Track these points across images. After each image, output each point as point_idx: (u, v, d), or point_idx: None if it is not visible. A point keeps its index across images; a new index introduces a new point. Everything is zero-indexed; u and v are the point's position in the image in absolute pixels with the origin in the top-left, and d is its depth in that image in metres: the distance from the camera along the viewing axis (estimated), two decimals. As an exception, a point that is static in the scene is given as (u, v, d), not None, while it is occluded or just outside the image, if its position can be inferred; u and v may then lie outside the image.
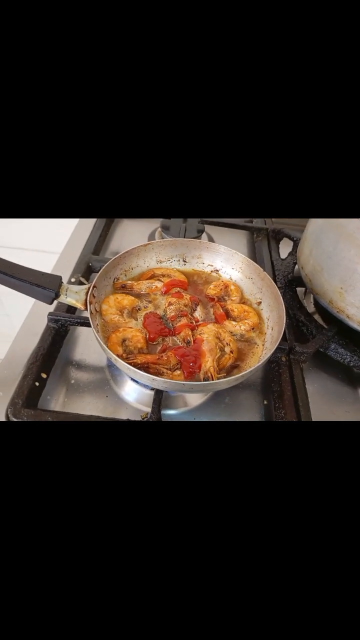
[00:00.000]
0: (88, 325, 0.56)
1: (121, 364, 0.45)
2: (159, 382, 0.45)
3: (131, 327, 0.54)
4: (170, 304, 0.57)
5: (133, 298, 0.58)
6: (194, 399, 0.57)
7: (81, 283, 0.67)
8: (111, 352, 0.46)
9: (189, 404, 0.56)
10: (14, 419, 0.46)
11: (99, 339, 0.48)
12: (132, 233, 0.87)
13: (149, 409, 0.52)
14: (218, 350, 0.52)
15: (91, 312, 0.51)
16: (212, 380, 0.47)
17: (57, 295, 0.52)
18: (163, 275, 0.63)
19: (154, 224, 0.88)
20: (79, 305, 0.53)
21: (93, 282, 0.54)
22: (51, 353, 0.55)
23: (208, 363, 0.49)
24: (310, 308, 0.72)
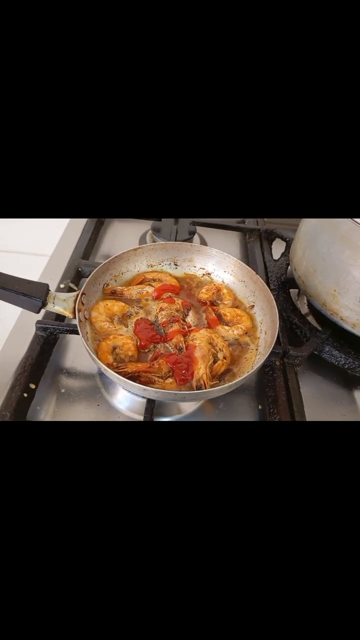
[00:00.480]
0: (77, 333, 0.55)
1: (111, 373, 0.44)
2: (150, 392, 0.44)
3: (122, 335, 0.53)
4: (161, 309, 0.56)
5: (123, 304, 0.57)
6: (188, 406, 0.56)
7: (70, 289, 0.65)
8: (100, 362, 0.45)
9: (183, 410, 0.56)
10: (2, 433, 0.45)
11: (88, 348, 0.47)
12: (122, 235, 0.86)
13: (141, 417, 0.51)
14: (211, 357, 0.51)
15: (80, 320, 0.50)
16: (205, 388, 0.46)
17: (44, 304, 0.50)
18: (154, 280, 0.62)
19: (144, 225, 0.87)
20: (67, 314, 0.51)
21: (82, 289, 0.53)
22: (40, 362, 0.54)
23: (201, 370, 0.48)
24: (304, 309, 0.71)
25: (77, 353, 0.60)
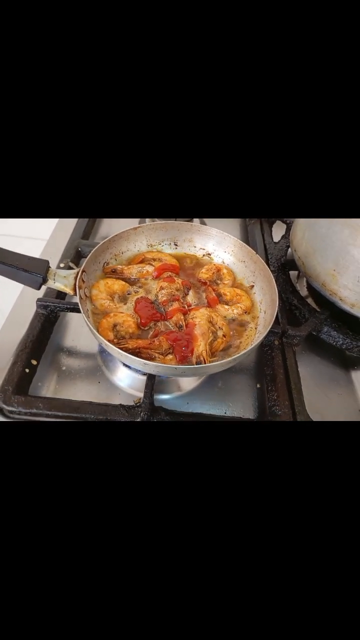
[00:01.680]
0: (78, 311, 0.55)
1: (112, 349, 0.45)
2: (151, 367, 0.44)
3: (122, 313, 0.53)
4: (161, 288, 0.57)
5: (124, 283, 0.57)
6: (187, 384, 0.57)
7: (70, 268, 0.65)
8: (102, 338, 0.46)
9: (182, 388, 0.56)
10: (4, 406, 0.46)
11: (89, 324, 0.47)
12: (120, 218, 0.85)
13: (141, 394, 0.52)
14: (210, 334, 0.52)
15: (81, 297, 0.50)
16: (205, 363, 0.47)
17: (44, 280, 0.50)
18: (154, 259, 0.62)
19: (144, 207, 0.86)
20: (68, 290, 0.51)
21: (82, 267, 0.53)
22: (41, 340, 0.54)
23: (200, 347, 0.49)
24: (303, 292, 0.72)
25: (78, 332, 0.61)
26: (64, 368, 0.56)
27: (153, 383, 0.50)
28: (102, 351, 0.58)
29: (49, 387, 0.53)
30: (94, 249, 0.56)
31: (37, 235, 0.84)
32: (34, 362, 0.52)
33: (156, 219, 0.79)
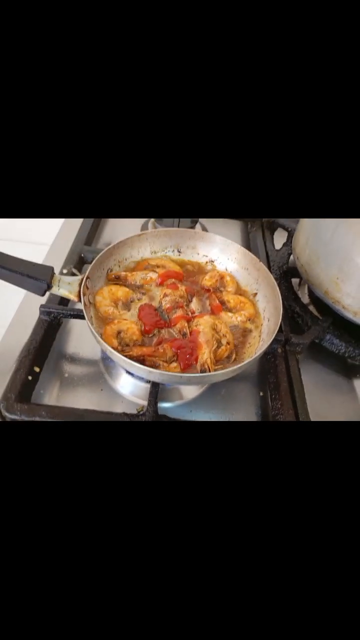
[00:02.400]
0: (81, 317, 0.55)
1: (117, 356, 0.44)
2: (156, 375, 0.44)
3: (126, 319, 0.53)
4: (165, 295, 0.56)
5: (127, 289, 0.57)
6: (190, 392, 0.56)
7: (73, 274, 0.65)
8: (107, 345, 0.45)
9: (185, 396, 0.56)
10: (7, 414, 0.45)
11: (93, 331, 0.47)
12: (124, 223, 0.86)
13: (144, 402, 0.51)
14: (214, 342, 0.52)
15: (85, 304, 0.50)
16: (209, 372, 0.47)
17: (49, 287, 0.50)
18: (157, 266, 0.62)
19: (146, 214, 0.86)
20: (72, 297, 0.51)
21: (86, 273, 0.53)
22: (44, 346, 0.54)
23: (205, 355, 0.49)
24: (305, 299, 0.72)
25: (80, 339, 0.60)
26: (66, 375, 0.56)
27: (157, 391, 0.49)
28: (105, 358, 0.58)
29: (51, 395, 0.53)
30: (99, 256, 0.56)
31: (39, 240, 0.84)
32: (37, 369, 0.52)
33: (157, 219, 0.80)
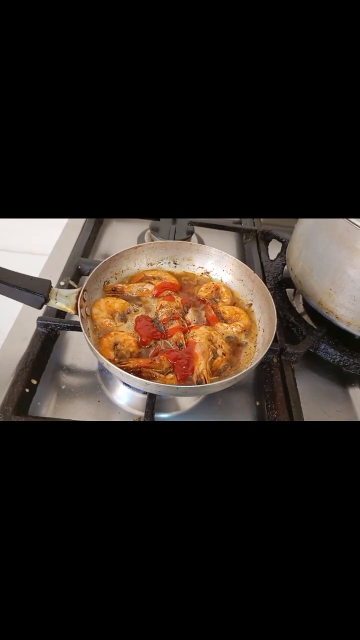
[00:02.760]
0: (78, 329, 0.55)
1: (113, 368, 0.45)
2: (152, 387, 0.45)
3: (123, 331, 0.54)
4: (161, 306, 0.57)
5: (124, 301, 0.58)
6: (187, 402, 0.57)
7: (70, 286, 0.66)
8: (103, 357, 0.46)
9: (182, 407, 0.56)
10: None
11: (90, 343, 0.48)
12: (121, 235, 0.87)
13: (141, 413, 0.52)
14: (210, 353, 0.52)
15: (82, 316, 0.51)
16: (205, 383, 0.47)
17: (46, 300, 0.51)
18: (154, 278, 0.63)
19: (143, 225, 0.87)
20: (69, 310, 0.52)
21: (83, 286, 0.54)
22: (41, 358, 0.54)
23: (201, 366, 0.49)
24: (300, 309, 0.73)
25: (77, 350, 0.61)
26: (63, 387, 0.56)
27: (154, 402, 0.50)
28: (102, 370, 0.58)
29: (48, 407, 0.53)
30: (95, 268, 0.57)
31: (37, 251, 0.85)
32: (34, 382, 0.52)
33: (153, 231, 0.81)
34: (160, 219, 0.83)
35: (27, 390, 0.50)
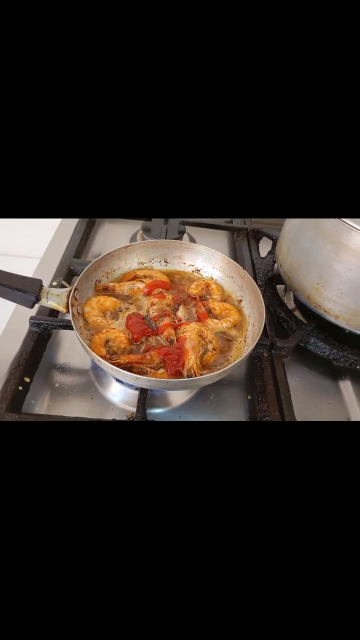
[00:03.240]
0: (71, 328, 0.56)
1: (105, 364, 0.46)
2: (143, 381, 0.45)
3: (114, 329, 0.55)
4: (152, 304, 0.58)
5: (115, 300, 0.59)
6: (179, 397, 0.58)
7: (63, 287, 0.67)
8: (94, 354, 0.47)
9: (174, 402, 0.57)
10: None
11: (81, 340, 0.48)
12: (113, 236, 0.88)
13: (134, 409, 0.52)
14: (201, 348, 0.53)
15: (73, 315, 0.52)
16: (195, 377, 0.48)
17: (37, 299, 0.52)
18: (145, 276, 0.64)
19: (135, 226, 0.88)
20: (61, 308, 0.53)
21: (74, 285, 0.55)
22: (34, 357, 0.55)
23: (191, 360, 0.50)
24: (291, 305, 0.74)
25: (70, 349, 0.62)
26: (57, 385, 0.57)
27: (145, 397, 0.50)
28: (95, 367, 0.59)
29: (42, 405, 0.54)
30: (86, 267, 0.58)
31: (30, 254, 0.86)
32: (27, 380, 0.53)
33: (145, 231, 0.82)
34: (152, 220, 0.84)
35: (20, 388, 0.51)
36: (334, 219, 0.55)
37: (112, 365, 0.45)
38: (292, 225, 0.66)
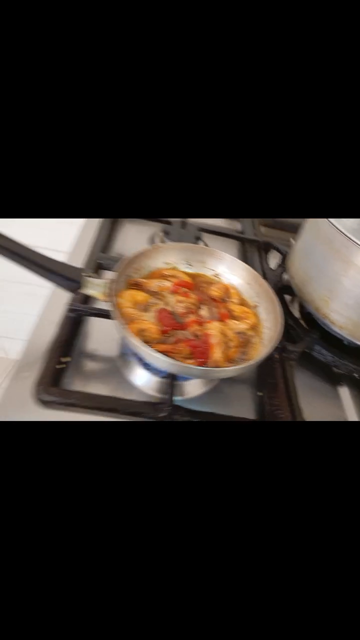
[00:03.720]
0: (103, 316, 0.61)
1: (144, 350, 0.51)
2: (176, 366, 0.51)
3: (146, 320, 0.59)
4: (179, 301, 0.63)
5: (146, 294, 0.64)
6: (195, 389, 0.63)
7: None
8: (135, 340, 0.51)
9: (190, 393, 0.62)
10: (45, 397, 0.50)
11: (123, 328, 0.53)
12: (132, 237, 0.93)
13: (158, 395, 0.57)
14: (223, 344, 0.59)
15: (113, 304, 0.56)
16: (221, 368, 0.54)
17: (80, 286, 0.56)
18: (170, 276, 0.69)
19: (153, 228, 0.94)
20: (101, 297, 0.57)
21: (113, 277, 0.59)
22: (69, 340, 0.59)
23: (217, 354, 0.56)
24: (296, 314, 0.81)
25: (98, 337, 0.66)
26: (86, 369, 0.61)
27: (175, 383, 0.55)
28: (122, 355, 0.64)
29: (76, 385, 0.58)
30: (123, 264, 0.63)
31: (55, 247, 0.89)
32: (66, 359, 0.57)
33: (164, 234, 0.87)
34: (172, 224, 0.90)
35: (58, 367, 0.55)
36: (345, 239, 0.62)
37: (151, 351, 0.50)
38: (304, 242, 0.74)
